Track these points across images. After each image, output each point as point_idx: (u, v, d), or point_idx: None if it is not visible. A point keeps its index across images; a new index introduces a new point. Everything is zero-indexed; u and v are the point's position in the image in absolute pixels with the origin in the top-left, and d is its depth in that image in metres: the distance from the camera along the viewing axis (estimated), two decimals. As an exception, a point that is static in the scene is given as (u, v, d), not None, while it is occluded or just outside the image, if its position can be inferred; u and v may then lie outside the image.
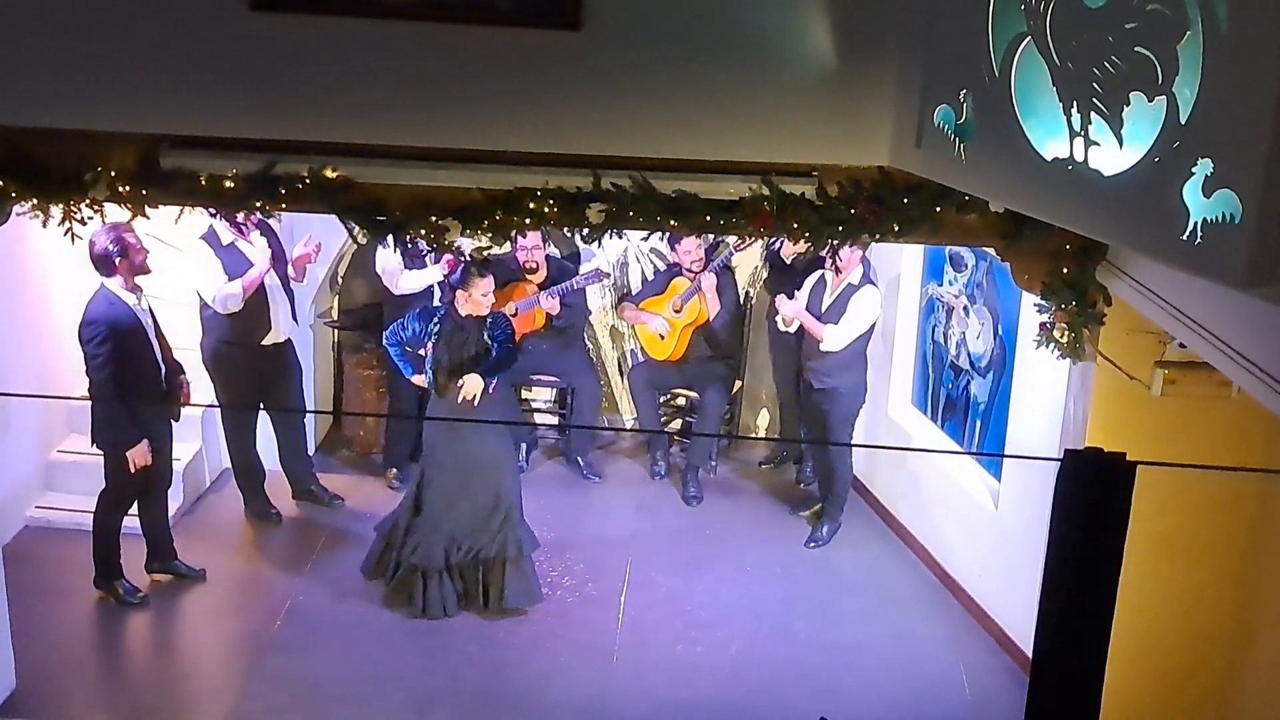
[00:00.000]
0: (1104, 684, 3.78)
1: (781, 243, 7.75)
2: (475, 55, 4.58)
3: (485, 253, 8.11)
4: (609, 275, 8.59)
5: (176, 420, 6.85)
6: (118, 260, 6.32)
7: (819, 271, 7.47)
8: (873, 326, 7.41)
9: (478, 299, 6.64)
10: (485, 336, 6.73)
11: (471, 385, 6.64)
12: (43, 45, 4.54)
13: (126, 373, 6.41)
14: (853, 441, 7.81)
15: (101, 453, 6.64)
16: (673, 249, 8.20)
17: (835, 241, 4.91)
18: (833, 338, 7.28)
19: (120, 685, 6.37)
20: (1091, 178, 3.48)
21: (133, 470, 6.54)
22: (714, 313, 8.04)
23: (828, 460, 7.75)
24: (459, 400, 6.64)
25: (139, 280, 6.50)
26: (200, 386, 7.50)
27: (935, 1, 4.18)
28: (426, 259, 7.57)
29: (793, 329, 7.60)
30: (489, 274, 6.69)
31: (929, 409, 7.83)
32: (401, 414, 8.14)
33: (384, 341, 7.05)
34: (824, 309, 7.35)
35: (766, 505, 8.21)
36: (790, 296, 7.48)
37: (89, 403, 6.63)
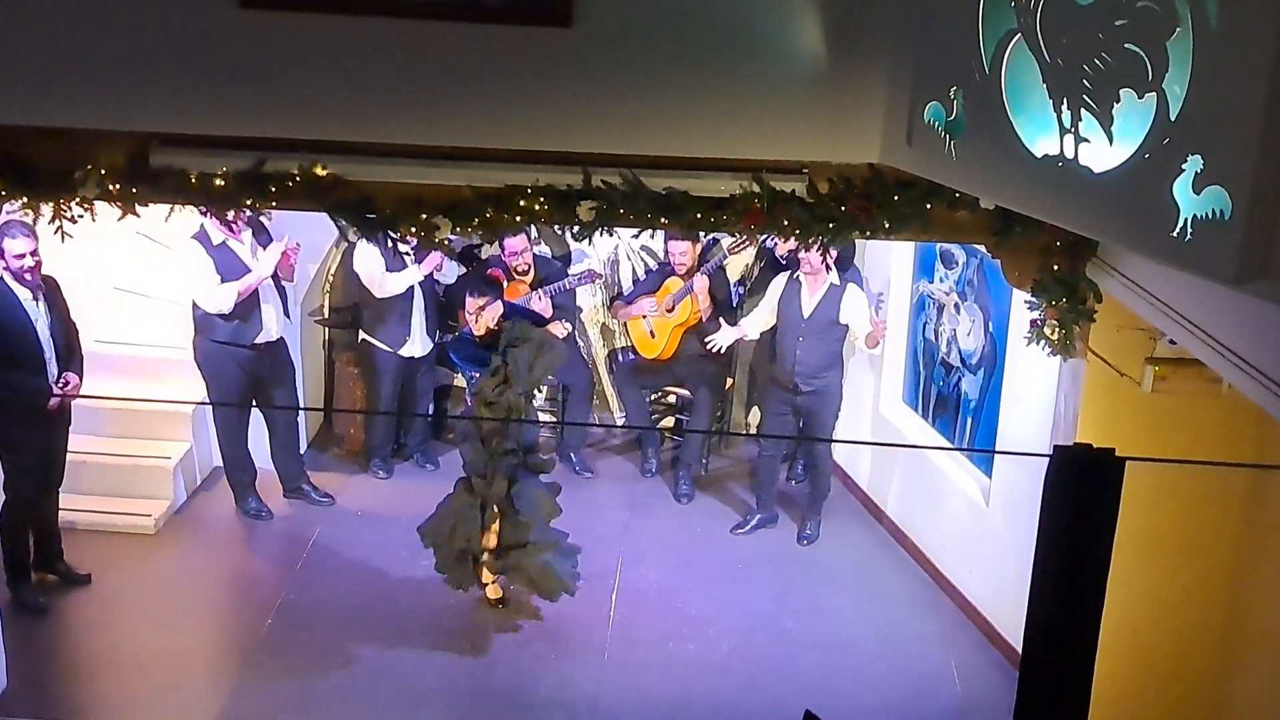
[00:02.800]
0: (1093, 679, 3.79)
1: (775, 240, 7.73)
2: (466, 52, 4.57)
3: (476, 250, 8.18)
4: (601, 276, 8.59)
5: (68, 422, 6.63)
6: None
7: (784, 274, 7.47)
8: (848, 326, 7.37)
9: (471, 318, 6.65)
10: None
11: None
12: (31, 44, 4.51)
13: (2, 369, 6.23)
14: (838, 438, 7.81)
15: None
16: (666, 248, 8.20)
17: (825, 239, 4.91)
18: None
19: (111, 684, 6.35)
20: (1082, 175, 3.48)
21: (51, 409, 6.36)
22: (706, 313, 8.04)
23: (814, 460, 7.76)
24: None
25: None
26: (193, 385, 7.50)
27: (925, -1, 4.19)
28: (407, 259, 7.57)
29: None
30: (478, 293, 6.67)
31: (920, 406, 7.84)
32: (378, 411, 8.15)
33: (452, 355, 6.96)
34: (808, 315, 7.28)
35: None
36: (733, 322, 7.73)
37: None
